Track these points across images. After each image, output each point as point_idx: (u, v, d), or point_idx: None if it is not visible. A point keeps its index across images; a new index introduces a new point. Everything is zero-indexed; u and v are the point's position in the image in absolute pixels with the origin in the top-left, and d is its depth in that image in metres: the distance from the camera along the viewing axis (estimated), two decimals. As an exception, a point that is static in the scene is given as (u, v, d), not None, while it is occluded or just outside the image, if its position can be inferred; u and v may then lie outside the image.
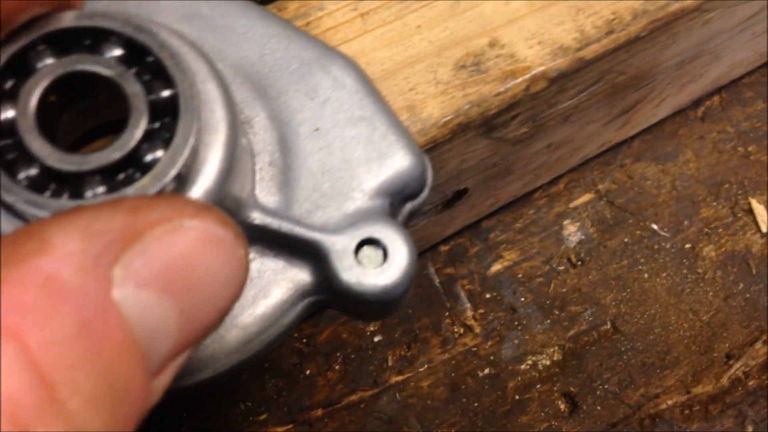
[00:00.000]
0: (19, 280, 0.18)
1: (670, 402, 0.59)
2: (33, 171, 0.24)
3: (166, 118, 0.25)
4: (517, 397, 0.59)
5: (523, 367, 0.59)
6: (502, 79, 0.39)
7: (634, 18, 0.41)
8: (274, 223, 0.30)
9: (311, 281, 0.32)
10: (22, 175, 0.24)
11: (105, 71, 0.25)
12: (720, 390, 0.60)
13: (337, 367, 0.58)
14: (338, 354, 0.58)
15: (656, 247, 0.63)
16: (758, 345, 0.61)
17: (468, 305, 0.60)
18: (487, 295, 0.61)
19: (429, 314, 0.60)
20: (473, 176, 0.49)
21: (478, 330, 0.60)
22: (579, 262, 0.62)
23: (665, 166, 0.65)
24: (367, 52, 0.39)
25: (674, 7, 0.42)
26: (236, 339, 0.31)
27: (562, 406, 0.59)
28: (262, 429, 0.56)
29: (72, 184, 0.24)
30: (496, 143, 0.45)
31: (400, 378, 0.58)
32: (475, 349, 0.59)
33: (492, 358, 0.59)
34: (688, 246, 0.63)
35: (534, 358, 0.60)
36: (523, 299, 0.61)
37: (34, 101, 0.24)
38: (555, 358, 0.60)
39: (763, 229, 0.64)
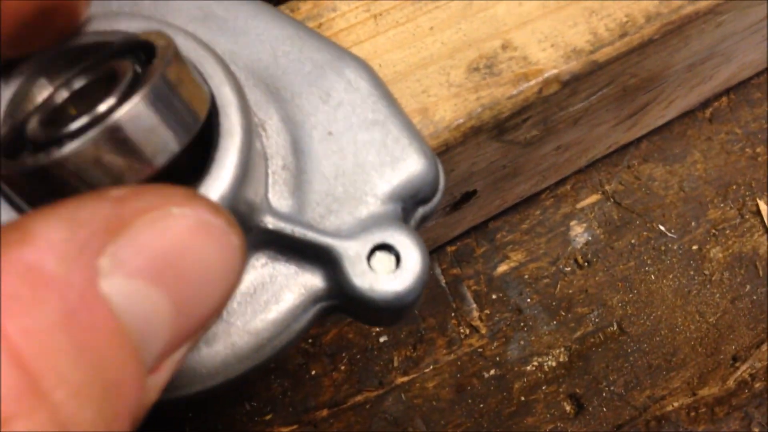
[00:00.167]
0: None
1: (676, 404, 0.59)
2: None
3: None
4: (522, 398, 0.59)
5: (528, 368, 0.59)
6: (514, 81, 0.39)
7: (648, 21, 0.41)
8: (287, 227, 0.30)
9: (323, 286, 0.31)
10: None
11: None
12: (726, 392, 0.60)
13: (342, 367, 0.58)
14: (344, 354, 0.58)
15: (663, 248, 0.63)
16: (765, 347, 0.61)
17: (474, 306, 0.60)
18: (494, 296, 0.61)
19: (435, 315, 0.60)
20: (482, 178, 0.48)
21: (484, 331, 0.60)
22: (586, 263, 0.62)
23: (673, 167, 0.65)
24: (379, 54, 0.38)
25: (688, 10, 0.41)
26: (248, 345, 0.30)
27: (568, 408, 0.59)
28: (267, 429, 0.56)
29: None
30: (506, 146, 0.44)
31: (405, 379, 0.58)
32: (480, 350, 0.59)
33: (498, 359, 0.59)
34: (695, 247, 0.63)
35: (540, 360, 0.59)
36: (529, 300, 0.61)
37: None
38: (561, 360, 0.59)
39: (771, 231, 0.64)
